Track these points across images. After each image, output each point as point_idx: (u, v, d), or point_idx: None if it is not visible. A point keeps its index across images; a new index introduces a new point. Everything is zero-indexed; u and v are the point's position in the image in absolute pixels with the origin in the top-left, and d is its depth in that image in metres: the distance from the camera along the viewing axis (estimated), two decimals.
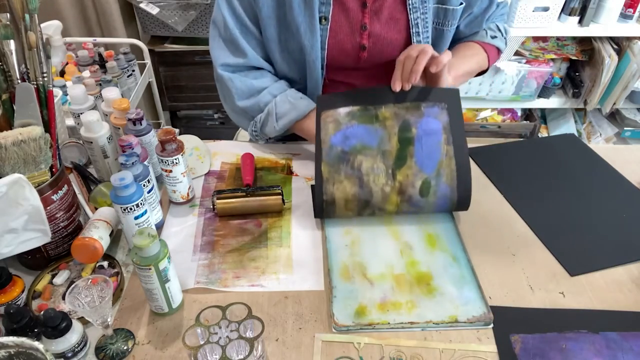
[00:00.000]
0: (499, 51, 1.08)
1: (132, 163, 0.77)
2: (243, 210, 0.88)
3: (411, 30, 0.94)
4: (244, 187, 0.92)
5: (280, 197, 0.88)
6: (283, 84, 0.99)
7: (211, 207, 0.89)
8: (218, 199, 0.87)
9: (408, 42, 0.96)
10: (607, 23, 1.87)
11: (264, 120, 0.98)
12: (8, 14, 0.69)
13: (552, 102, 2.16)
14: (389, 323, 0.69)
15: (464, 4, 0.96)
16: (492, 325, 0.69)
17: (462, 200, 0.84)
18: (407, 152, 0.83)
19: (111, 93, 0.95)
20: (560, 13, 1.87)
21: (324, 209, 0.83)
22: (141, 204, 0.73)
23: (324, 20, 0.91)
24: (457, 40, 1.06)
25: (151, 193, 0.81)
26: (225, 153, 1.04)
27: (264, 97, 0.97)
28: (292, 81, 1.02)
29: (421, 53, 0.80)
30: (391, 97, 0.83)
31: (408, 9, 0.92)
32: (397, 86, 0.82)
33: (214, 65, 0.99)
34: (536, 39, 2.09)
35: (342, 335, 0.68)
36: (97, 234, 0.73)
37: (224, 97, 1.02)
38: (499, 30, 1.06)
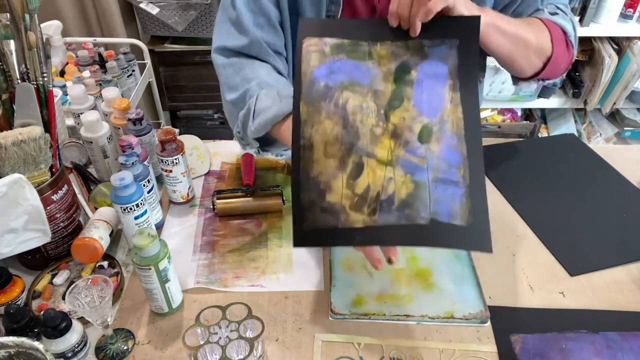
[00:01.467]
0: (565, 35, 0.83)
1: (132, 163, 0.77)
2: (243, 210, 0.88)
3: None
4: (244, 187, 0.92)
5: (280, 197, 0.88)
6: (277, 78, 0.84)
7: (211, 207, 0.89)
8: (218, 199, 0.87)
9: None
10: (607, 23, 1.87)
11: (244, 119, 0.81)
12: (8, 14, 0.69)
13: (552, 102, 2.16)
14: (384, 314, 0.70)
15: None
16: (488, 323, 0.70)
17: (473, 153, 0.65)
18: (404, 94, 0.68)
19: (111, 93, 0.95)
20: None
21: (301, 157, 0.67)
22: (141, 204, 0.73)
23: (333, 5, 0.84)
24: None
25: (151, 193, 0.81)
26: (225, 153, 1.04)
27: (251, 89, 0.81)
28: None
29: None
30: (388, 32, 0.69)
31: None
32: (393, 21, 0.67)
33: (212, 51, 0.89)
34: None
35: (342, 335, 0.68)
36: (97, 234, 0.73)
37: (220, 91, 0.91)
38: (559, 9, 0.85)
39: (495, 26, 0.72)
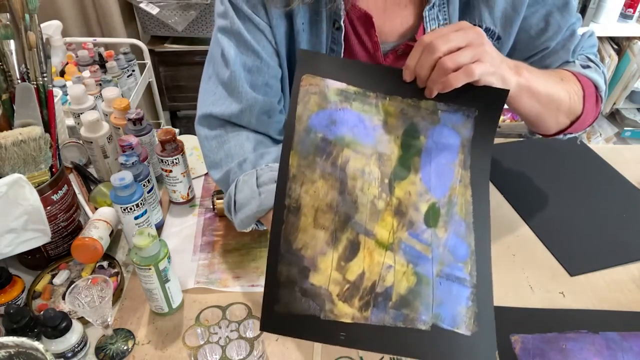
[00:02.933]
0: (597, 91, 0.77)
1: (132, 163, 0.77)
2: None
3: None
4: None
5: None
6: (263, 153, 0.73)
7: (211, 207, 0.89)
8: (218, 198, 0.87)
9: None
10: (607, 23, 1.87)
11: (228, 206, 0.72)
12: (8, 14, 0.69)
13: None
14: None
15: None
16: None
17: (481, 246, 0.59)
18: (412, 164, 0.59)
19: (111, 93, 0.95)
20: None
21: (284, 220, 0.56)
22: (141, 204, 0.73)
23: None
24: None
25: (151, 193, 0.81)
26: None
27: (232, 171, 0.72)
28: None
29: (455, 54, 0.55)
30: (400, 85, 0.59)
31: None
32: (407, 76, 0.59)
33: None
34: None
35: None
36: (97, 234, 0.73)
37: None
38: (591, 60, 0.79)
39: (528, 88, 0.64)
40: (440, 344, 0.53)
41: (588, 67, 0.78)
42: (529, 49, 0.78)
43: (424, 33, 0.75)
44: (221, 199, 0.87)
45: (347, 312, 0.54)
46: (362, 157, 0.59)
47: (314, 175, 0.58)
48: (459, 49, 0.55)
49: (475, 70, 0.55)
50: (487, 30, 0.75)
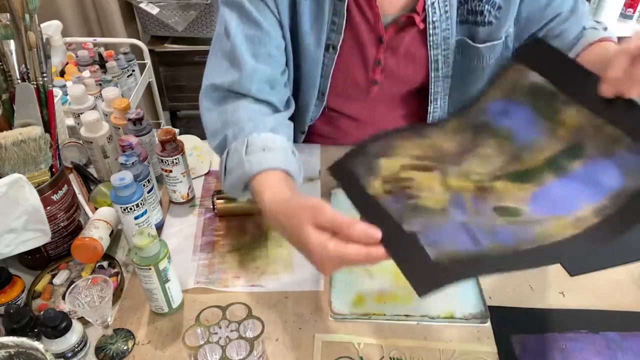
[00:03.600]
0: None
1: (132, 163, 0.77)
2: (243, 211, 0.88)
3: (429, 66, 0.86)
4: None
5: None
6: (257, 124, 0.72)
7: (211, 207, 0.89)
8: (218, 199, 0.87)
9: (425, 78, 0.88)
10: (607, 23, 1.87)
11: (220, 170, 0.73)
12: (8, 14, 0.69)
13: None
14: (384, 314, 0.70)
15: (504, 38, 0.83)
16: (488, 323, 0.70)
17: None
18: (538, 177, 0.53)
19: (111, 93, 0.95)
20: None
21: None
22: (141, 204, 0.73)
23: (331, 49, 0.82)
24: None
25: (151, 193, 0.81)
26: None
27: (227, 138, 0.73)
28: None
29: None
30: (596, 97, 0.52)
31: (428, 46, 0.83)
32: (606, 91, 0.52)
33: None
34: None
35: (342, 335, 0.68)
36: (97, 234, 0.74)
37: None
38: (599, 23, 0.85)
39: None
40: None
41: (606, 28, 0.83)
42: (542, 18, 0.83)
43: (424, 6, 0.79)
44: (221, 199, 0.87)
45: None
46: (497, 148, 0.57)
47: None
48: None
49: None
50: (487, 0, 0.79)
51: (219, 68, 0.78)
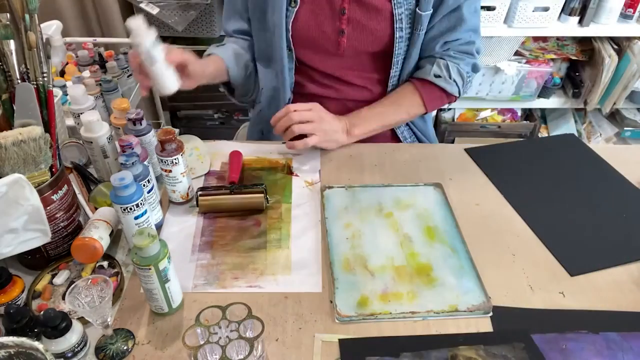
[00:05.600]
0: (447, 94, 1.04)
1: (132, 163, 0.77)
2: (225, 208, 0.88)
3: (395, 25, 0.95)
4: (229, 184, 0.92)
5: (263, 195, 0.88)
6: (227, 48, 1.05)
7: (195, 204, 0.89)
8: (201, 195, 0.87)
9: (390, 35, 0.97)
10: (607, 23, 1.87)
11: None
12: (8, 14, 0.69)
13: (552, 102, 2.16)
14: (390, 313, 0.70)
15: (431, 12, 0.95)
16: (491, 314, 0.70)
17: None
18: None
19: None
20: (560, 13, 1.86)
21: None
22: (141, 204, 0.73)
23: (292, 3, 0.94)
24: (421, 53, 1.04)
25: (151, 193, 0.81)
26: (225, 153, 1.04)
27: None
28: (268, 60, 1.06)
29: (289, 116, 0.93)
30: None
31: (393, 3, 0.93)
32: (273, 122, 0.95)
33: None
34: (536, 39, 2.09)
35: (343, 335, 0.68)
36: (97, 234, 0.73)
37: None
38: (447, 70, 1.01)
39: (363, 134, 1.02)
40: None
41: (439, 76, 1.01)
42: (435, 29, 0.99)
43: None
44: (204, 195, 0.87)
45: None
46: None
47: None
48: (307, 121, 0.94)
49: (308, 142, 0.94)
50: None
51: (224, 18, 1.10)
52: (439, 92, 1.04)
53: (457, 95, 1.06)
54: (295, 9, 0.95)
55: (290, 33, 0.97)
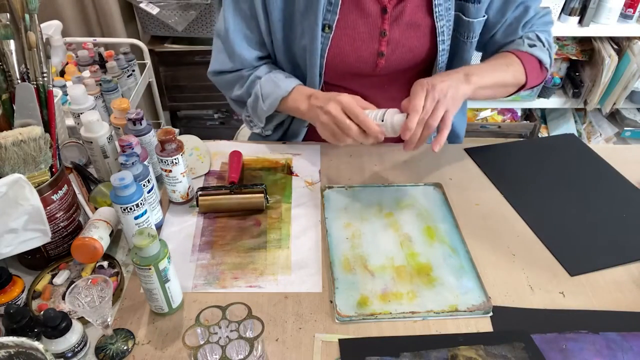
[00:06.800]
0: (541, 64, 0.98)
1: (132, 163, 0.77)
2: (225, 208, 0.88)
3: (437, 39, 0.92)
4: (229, 184, 0.92)
5: (263, 195, 0.88)
6: (268, 66, 0.99)
7: (195, 204, 0.89)
8: (201, 195, 0.87)
9: (430, 50, 0.94)
10: (607, 23, 1.87)
11: (253, 104, 0.98)
12: (8, 14, 0.69)
13: (552, 102, 2.16)
14: (390, 313, 0.70)
15: (486, 17, 0.92)
16: (491, 314, 0.70)
17: None
18: None
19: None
20: (560, 13, 1.87)
21: None
22: (141, 204, 0.73)
23: (327, 29, 0.89)
24: (494, 51, 1.01)
25: (151, 193, 0.81)
26: (225, 153, 1.04)
27: (253, 82, 0.97)
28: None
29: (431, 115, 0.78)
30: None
31: (435, 16, 0.90)
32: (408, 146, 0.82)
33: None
34: None
35: (343, 335, 0.68)
36: (97, 234, 0.73)
37: (225, 95, 1.08)
38: (539, 39, 0.97)
39: (479, 87, 0.86)
40: None
41: (534, 46, 0.96)
42: (497, 23, 0.95)
43: None
44: (204, 195, 0.88)
45: None
46: None
47: None
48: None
49: (449, 124, 0.81)
50: None
51: (219, 58, 1.00)
52: (535, 62, 0.97)
53: (548, 67, 1.00)
54: (331, 35, 0.90)
55: (325, 60, 0.93)
